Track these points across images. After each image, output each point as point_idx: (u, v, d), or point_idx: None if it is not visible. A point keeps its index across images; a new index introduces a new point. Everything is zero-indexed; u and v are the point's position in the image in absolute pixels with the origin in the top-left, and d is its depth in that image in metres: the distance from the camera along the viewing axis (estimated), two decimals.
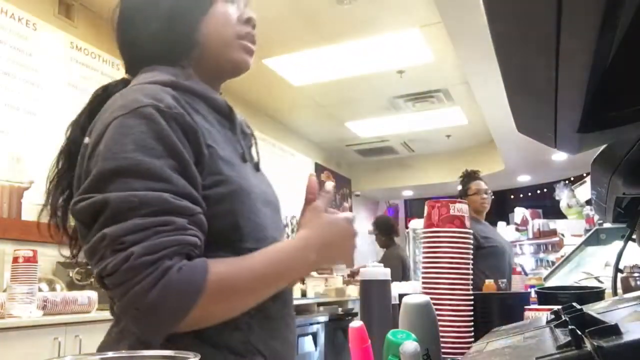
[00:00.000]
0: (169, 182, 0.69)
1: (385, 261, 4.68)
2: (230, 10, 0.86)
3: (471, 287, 0.98)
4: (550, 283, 2.46)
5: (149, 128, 0.70)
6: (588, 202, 3.77)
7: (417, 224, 2.19)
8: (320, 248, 0.80)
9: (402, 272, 4.69)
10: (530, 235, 6.25)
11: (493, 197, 3.51)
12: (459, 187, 3.52)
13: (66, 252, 0.85)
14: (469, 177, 3.49)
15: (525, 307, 0.99)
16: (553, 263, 4.36)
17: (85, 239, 0.70)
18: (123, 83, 0.86)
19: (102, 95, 0.85)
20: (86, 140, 0.75)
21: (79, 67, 3.50)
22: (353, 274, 5.81)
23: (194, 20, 0.83)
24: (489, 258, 3.10)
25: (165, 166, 0.69)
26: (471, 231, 1.00)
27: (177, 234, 0.67)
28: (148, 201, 0.66)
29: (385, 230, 5.00)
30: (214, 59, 0.86)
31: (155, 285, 0.63)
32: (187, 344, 0.70)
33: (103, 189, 0.67)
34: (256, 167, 0.91)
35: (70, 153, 0.82)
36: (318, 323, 4.60)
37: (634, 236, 0.84)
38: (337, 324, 4.91)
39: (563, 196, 4.97)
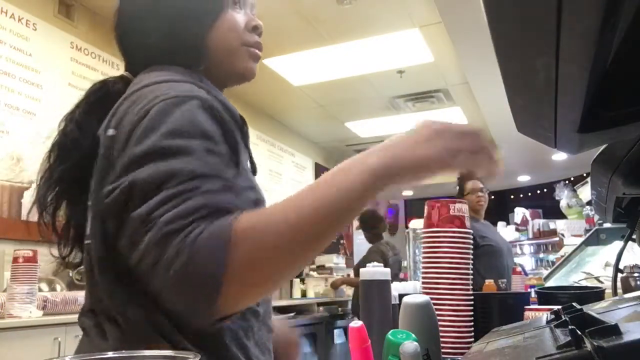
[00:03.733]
0: (202, 160, 0.63)
1: (366, 258, 4.58)
2: (238, 18, 0.85)
3: (471, 287, 0.98)
4: (550, 283, 2.46)
5: (188, 115, 0.66)
6: (588, 202, 3.77)
7: (417, 224, 2.18)
8: (383, 149, 0.63)
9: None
10: (530, 235, 6.25)
11: (492, 197, 3.52)
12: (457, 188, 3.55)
13: (56, 251, 0.81)
14: (466, 176, 3.52)
15: (525, 307, 0.99)
16: (553, 263, 4.35)
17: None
18: (123, 81, 0.84)
19: (101, 91, 0.83)
20: (110, 132, 0.70)
21: (79, 67, 3.50)
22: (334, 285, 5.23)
23: (204, 26, 0.82)
24: (484, 257, 3.10)
25: (200, 147, 0.63)
26: (471, 231, 1.00)
27: (208, 196, 0.60)
28: (176, 173, 0.60)
29: (370, 225, 4.72)
30: (220, 66, 0.84)
31: (180, 253, 0.56)
32: None
33: (132, 174, 0.63)
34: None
35: (63, 147, 0.79)
36: (318, 323, 4.60)
37: (634, 236, 0.84)
38: (337, 324, 4.92)
39: (563, 196, 4.97)
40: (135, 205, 0.61)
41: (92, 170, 0.75)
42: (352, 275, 5.79)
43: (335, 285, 5.08)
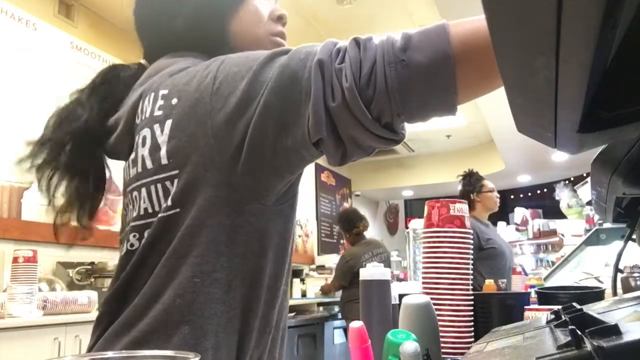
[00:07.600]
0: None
1: (338, 266, 4.36)
2: (262, 7, 0.82)
3: (471, 287, 0.99)
4: (550, 283, 2.46)
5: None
6: (588, 202, 3.77)
7: (417, 224, 2.19)
8: None
9: (348, 278, 4.18)
10: (530, 235, 6.24)
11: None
12: (460, 187, 3.51)
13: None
14: (478, 175, 3.47)
15: (525, 307, 0.99)
16: (553, 263, 4.35)
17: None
18: (140, 68, 0.84)
19: (110, 74, 0.84)
20: (175, 101, 0.70)
21: (79, 67, 3.50)
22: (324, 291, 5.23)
23: (223, 17, 0.80)
24: (487, 260, 3.10)
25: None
26: (471, 231, 1.00)
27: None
28: (293, 66, 0.64)
29: (348, 225, 4.38)
30: None
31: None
32: None
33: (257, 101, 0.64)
34: None
35: (61, 120, 0.84)
36: (318, 323, 4.60)
37: (634, 236, 0.84)
38: (337, 324, 4.92)
39: (563, 196, 4.97)
40: (293, 97, 0.63)
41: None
42: None
43: (324, 291, 5.07)
